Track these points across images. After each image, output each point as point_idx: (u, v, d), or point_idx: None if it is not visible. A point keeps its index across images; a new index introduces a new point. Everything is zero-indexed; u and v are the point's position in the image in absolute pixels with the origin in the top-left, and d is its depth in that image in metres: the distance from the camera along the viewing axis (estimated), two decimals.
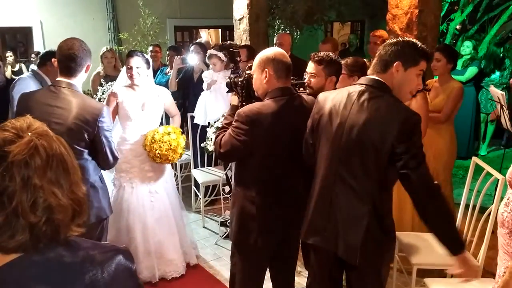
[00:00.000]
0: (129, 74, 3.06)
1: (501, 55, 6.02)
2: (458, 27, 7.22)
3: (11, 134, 0.85)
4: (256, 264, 2.29)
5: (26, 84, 3.49)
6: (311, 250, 2.10)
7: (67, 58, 2.23)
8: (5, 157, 0.82)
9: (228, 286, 3.19)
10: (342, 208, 1.90)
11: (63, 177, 0.88)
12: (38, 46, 8.39)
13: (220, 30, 10.69)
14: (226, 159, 2.24)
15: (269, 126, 2.05)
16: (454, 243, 1.85)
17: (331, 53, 2.62)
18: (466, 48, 5.74)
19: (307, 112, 2.14)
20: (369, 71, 1.96)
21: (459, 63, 5.84)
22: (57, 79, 2.29)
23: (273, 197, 2.16)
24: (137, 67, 3.03)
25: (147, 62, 3.07)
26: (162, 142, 2.99)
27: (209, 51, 4.36)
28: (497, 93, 3.17)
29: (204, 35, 11.38)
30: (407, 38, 1.97)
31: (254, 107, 2.09)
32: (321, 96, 2.04)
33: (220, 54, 4.18)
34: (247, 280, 2.29)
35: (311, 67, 2.62)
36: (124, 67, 3.16)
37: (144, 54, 3.10)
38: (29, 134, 0.86)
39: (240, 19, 6.05)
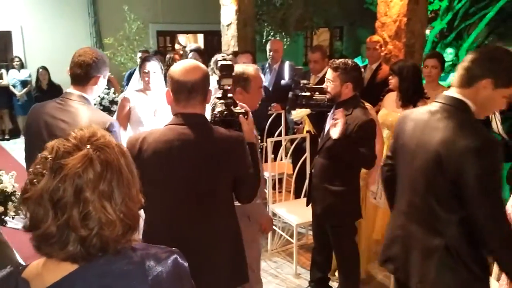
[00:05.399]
0: (146, 79, 3.07)
1: None
2: (437, 34, 7.48)
3: (70, 145, 0.87)
4: None
5: None
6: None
7: (76, 66, 2.10)
8: (61, 169, 0.84)
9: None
10: (413, 238, 1.77)
11: (117, 190, 0.88)
12: (18, 50, 8.21)
13: (203, 35, 10.69)
14: None
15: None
16: None
17: (349, 60, 2.66)
18: (448, 54, 5.97)
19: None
20: (453, 82, 1.74)
21: None
22: (67, 90, 2.17)
23: None
24: (154, 72, 3.05)
25: (161, 67, 3.09)
26: None
27: (216, 56, 4.33)
28: None
29: (183, 40, 11.37)
30: (503, 49, 1.70)
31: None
32: (403, 113, 1.94)
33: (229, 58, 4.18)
34: None
35: (329, 73, 2.67)
36: (137, 71, 3.12)
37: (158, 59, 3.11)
38: (88, 146, 0.87)
39: (228, 25, 6.11)
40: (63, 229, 0.83)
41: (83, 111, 2.07)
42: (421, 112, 1.78)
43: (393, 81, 3.21)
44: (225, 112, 1.91)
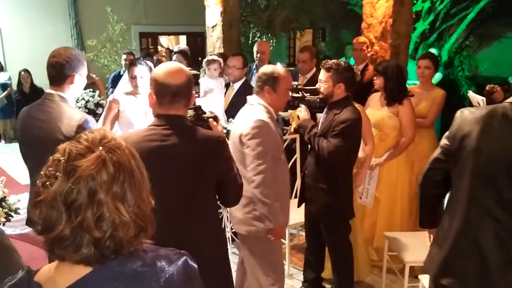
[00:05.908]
0: (133, 84, 3.03)
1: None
2: (419, 35, 7.60)
3: (82, 147, 0.87)
4: None
5: None
6: None
7: (51, 67, 2.17)
8: (74, 171, 0.83)
9: None
10: (489, 249, 1.63)
11: (129, 191, 0.88)
12: None
13: (185, 37, 10.64)
14: None
15: None
16: None
17: (341, 61, 2.66)
18: None
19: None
20: None
21: None
22: (47, 90, 2.23)
23: None
24: (141, 77, 3.01)
25: (150, 70, 3.05)
26: None
27: (209, 57, 4.33)
28: (476, 98, 3.37)
29: (165, 42, 11.30)
30: None
31: None
32: (464, 113, 1.73)
33: (221, 60, 4.17)
34: None
35: (321, 74, 2.68)
36: (127, 73, 3.10)
37: (147, 61, 3.07)
38: (100, 148, 0.87)
39: (213, 26, 6.08)
40: (77, 231, 0.83)
41: (59, 109, 2.14)
42: (491, 115, 1.65)
43: (378, 81, 3.26)
44: (194, 118, 1.91)
